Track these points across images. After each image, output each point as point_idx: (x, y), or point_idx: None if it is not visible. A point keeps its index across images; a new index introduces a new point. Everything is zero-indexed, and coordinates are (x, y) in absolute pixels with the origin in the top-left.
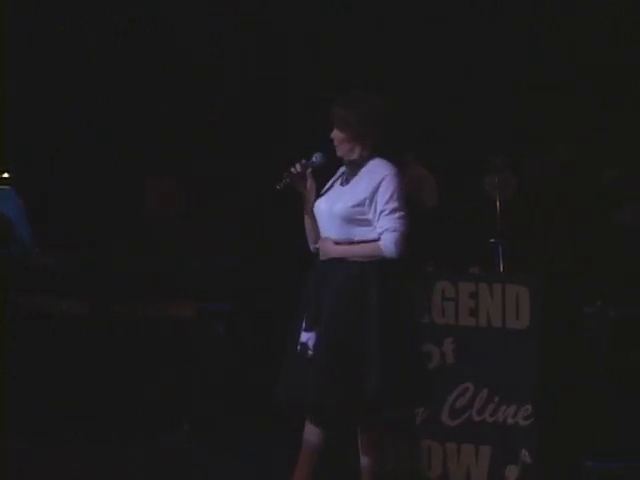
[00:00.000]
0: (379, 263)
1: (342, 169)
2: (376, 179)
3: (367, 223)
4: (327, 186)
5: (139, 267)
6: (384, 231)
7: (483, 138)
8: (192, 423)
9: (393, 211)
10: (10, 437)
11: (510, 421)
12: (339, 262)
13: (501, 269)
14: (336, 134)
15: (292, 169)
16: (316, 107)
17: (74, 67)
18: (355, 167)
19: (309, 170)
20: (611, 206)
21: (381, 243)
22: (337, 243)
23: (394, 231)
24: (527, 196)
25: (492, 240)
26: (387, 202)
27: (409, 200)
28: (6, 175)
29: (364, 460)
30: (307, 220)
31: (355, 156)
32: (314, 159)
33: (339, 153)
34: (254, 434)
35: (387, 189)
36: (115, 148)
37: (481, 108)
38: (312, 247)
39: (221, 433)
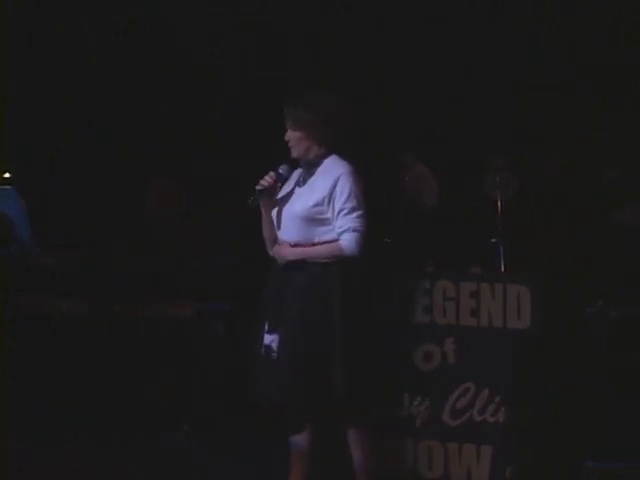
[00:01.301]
0: (340, 262)
1: (298, 171)
2: (332, 178)
3: (327, 222)
4: (285, 189)
5: (139, 267)
6: (343, 231)
7: (483, 138)
8: (192, 423)
9: (351, 210)
10: (10, 437)
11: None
12: (300, 263)
13: (502, 269)
14: (292, 135)
15: (261, 184)
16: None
17: (74, 67)
18: (311, 167)
19: (279, 183)
20: (611, 206)
21: (341, 243)
22: (298, 245)
23: (353, 230)
24: (527, 196)
25: (493, 240)
26: (345, 201)
27: (410, 200)
28: (7, 175)
29: (355, 459)
30: (265, 226)
31: (311, 156)
32: (281, 171)
33: (295, 154)
34: (254, 434)
35: (344, 188)
36: (115, 148)
37: (481, 108)
38: (270, 252)
39: (221, 433)
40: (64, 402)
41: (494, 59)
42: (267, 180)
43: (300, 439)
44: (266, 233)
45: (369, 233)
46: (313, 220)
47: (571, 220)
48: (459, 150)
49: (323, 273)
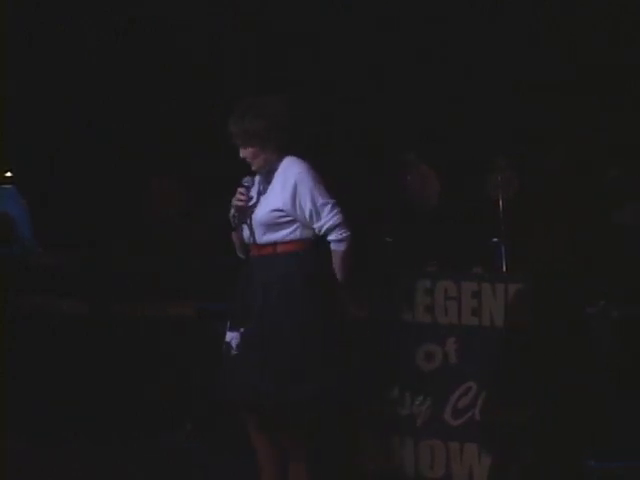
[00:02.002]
0: (303, 259)
1: (257, 178)
2: (289, 182)
3: (287, 225)
4: (252, 199)
5: (139, 267)
6: (326, 230)
7: (484, 138)
8: (192, 423)
9: (323, 206)
10: (10, 437)
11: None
12: (264, 260)
13: (504, 269)
14: (246, 152)
15: (236, 205)
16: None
17: (74, 67)
18: (270, 173)
19: (249, 194)
20: (611, 206)
21: (334, 245)
22: (263, 246)
23: (335, 226)
24: (527, 196)
25: (494, 240)
26: (312, 201)
27: (411, 199)
28: (9, 174)
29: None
30: (235, 232)
31: (269, 164)
32: (246, 184)
33: (255, 168)
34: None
35: (305, 189)
36: (115, 148)
37: (481, 108)
38: (239, 253)
39: (221, 433)
40: (64, 402)
41: (494, 59)
42: (241, 199)
43: (261, 439)
44: (234, 237)
45: (353, 222)
46: (274, 224)
47: (571, 220)
48: (460, 150)
49: (286, 270)
